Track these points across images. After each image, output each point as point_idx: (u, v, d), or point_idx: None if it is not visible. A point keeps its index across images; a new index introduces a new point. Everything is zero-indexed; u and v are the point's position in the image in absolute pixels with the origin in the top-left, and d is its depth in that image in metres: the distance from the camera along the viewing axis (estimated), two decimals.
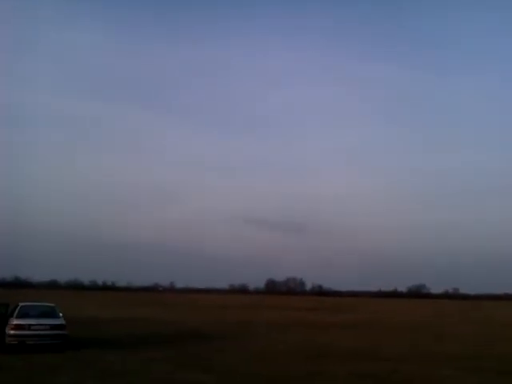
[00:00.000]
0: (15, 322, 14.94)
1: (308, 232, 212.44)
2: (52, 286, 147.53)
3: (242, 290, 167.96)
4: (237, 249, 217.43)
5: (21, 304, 16.67)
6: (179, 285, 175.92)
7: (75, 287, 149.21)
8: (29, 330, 14.83)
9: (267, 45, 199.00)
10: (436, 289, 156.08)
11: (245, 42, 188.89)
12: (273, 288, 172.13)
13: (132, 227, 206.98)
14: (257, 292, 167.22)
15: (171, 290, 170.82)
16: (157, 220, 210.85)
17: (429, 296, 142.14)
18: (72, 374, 11.23)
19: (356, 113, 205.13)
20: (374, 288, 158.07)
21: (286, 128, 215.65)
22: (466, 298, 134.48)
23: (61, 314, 16.42)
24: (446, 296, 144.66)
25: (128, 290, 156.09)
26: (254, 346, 18.06)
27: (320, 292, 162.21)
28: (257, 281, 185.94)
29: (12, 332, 14.72)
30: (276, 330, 25.72)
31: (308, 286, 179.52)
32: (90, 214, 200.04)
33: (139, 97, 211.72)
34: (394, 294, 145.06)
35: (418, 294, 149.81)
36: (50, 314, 16.33)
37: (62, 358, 13.62)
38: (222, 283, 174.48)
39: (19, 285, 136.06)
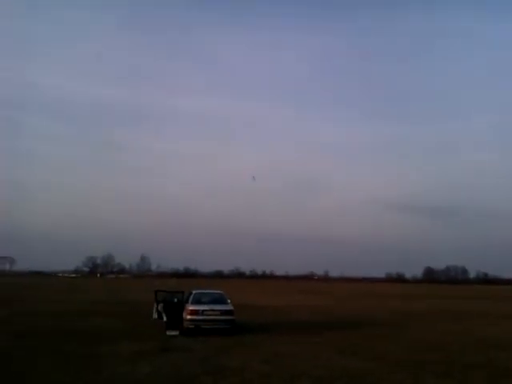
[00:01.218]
0: (191, 307, 16.42)
1: (468, 218, 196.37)
2: (217, 275, 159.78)
3: (399, 279, 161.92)
4: (393, 237, 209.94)
5: (194, 291, 18.40)
6: (334, 274, 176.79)
7: (237, 276, 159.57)
8: (202, 315, 16.18)
9: None
10: None
11: None
12: (431, 277, 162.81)
13: (288, 218, 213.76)
14: (414, 281, 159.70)
15: (326, 278, 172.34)
16: (311, 210, 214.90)
17: None
18: (242, 357, 12.10)
19: None
20: None
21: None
22: None
23: (229, 301, 17.77)
24: None
25: (285, 278, 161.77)
26: (416, 334, 17.42)
27: (485, 280, 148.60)
28: (414, 269, 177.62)
29: (189, 317, 16.16)
30: (439, 319, 24.41)
31: (471, 274, 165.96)
32: (249, 208, 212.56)
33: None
34: None
35: None
36: (220, 300, 17.69)
37: (231, 342, 14.68)
38: (378, 272, 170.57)
39: (189, 275, 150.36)
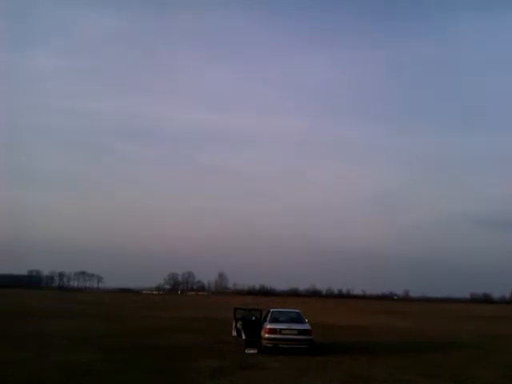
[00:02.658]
0: (269, 326, 16.56)
1: None
2: (292, 293, 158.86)
3: (485, 300, 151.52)
4: (479, 255, 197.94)
5: (272, 310, 18.58)
6: (414, 294, 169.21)
7: (313, 294, 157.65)
8: (280, 333, 16.25)
9: None
10: None
11: None
12: None
13: (365, 235, 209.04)
14: (502, 301, 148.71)
15: (406, 298, 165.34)
16: (389, 227, 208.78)
17: None
18: (321, 377, 12.06)
19: None
20: None
21: None
22: None
23: (306, 320, 17.75)
24: None
25: (362, 297, 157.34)
26: (507, 358, 16.37)
27: None
28: (502, 289, 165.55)
29: (267, 336, 16.30)
30: None
31: None
32: (320, 225, 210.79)
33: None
34: None
35: None
36: (297, 319, 17.68)
37: (309, 362, 14.62)
38: (463, 292, 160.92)
39: (265, 292, 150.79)
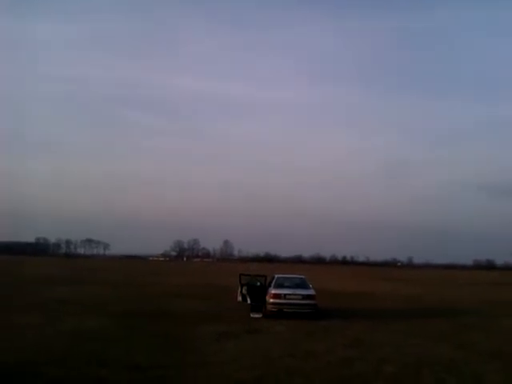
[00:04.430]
0: (274, 291, 16.77)
1: None
2: (297, 260, 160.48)
3: (489, 266, 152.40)
4: (481, 222, 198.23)
5: (277, 275, 18.74)
6: (418, 260, 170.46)
7: (318, 261, 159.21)
8: (285, 298, 16.47)
9: None
10: None
11: None
12: None
13: (369, 203, 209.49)
14: (506, 268, 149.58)
15: (409, 265, 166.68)
16: (393, 195, 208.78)
17: None
18: (325, 341, 12.22)
19: None
20: None
21: None
22: None
23: (311, 285, 17.91)
24: None
25: (366, 264, 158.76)
26: (504, 325, 16.51)
27: None
28: (505, 256, 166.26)
29: (272, 300, 16.50)
30: None
31: None
32: (331, 193, 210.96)
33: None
34: None
35: None
36: (302, 285, 17.87)
37: (313, 326, 14.82)
38: (466, 259, 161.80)
39: (269, 259, 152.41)
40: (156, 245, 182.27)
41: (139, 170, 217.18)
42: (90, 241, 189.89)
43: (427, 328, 15.28)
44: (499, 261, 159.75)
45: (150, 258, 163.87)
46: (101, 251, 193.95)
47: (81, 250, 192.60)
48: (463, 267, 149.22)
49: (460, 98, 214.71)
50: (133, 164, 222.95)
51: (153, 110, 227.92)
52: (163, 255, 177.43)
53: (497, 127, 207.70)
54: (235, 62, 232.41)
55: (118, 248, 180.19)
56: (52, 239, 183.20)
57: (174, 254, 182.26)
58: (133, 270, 65.20)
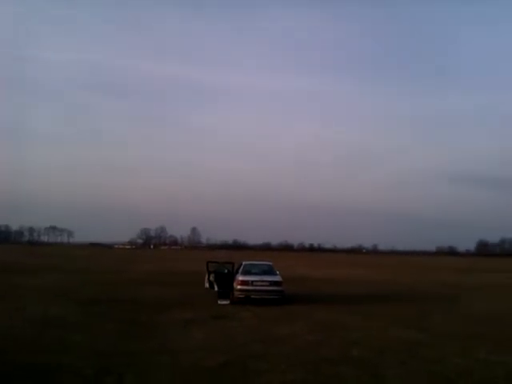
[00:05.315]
0: (241, 278, 16.81)
1: None
2: (265, 247, 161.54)
3: (451, 253, 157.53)
4: (444, 209, 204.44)
5: (244, 262, 18.76)
6: (383, 247, 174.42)
7: (285, 249, 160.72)
8: (252, 285, 16.54)
9: None
10: None
11: None
12: (485, 250, 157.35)
13: (336, 191, 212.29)
14: (467, 254, 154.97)
15: (374, 252, 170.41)
16: (360, 183, 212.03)
17: None
18: (291, 326, 12.29)
19: None
20: None
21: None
22: None
23: (277, 272, 18.02)
24: None
25: (333, 251, 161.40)
26: (469, 308, 17.06)
27: None
28: (467, 242, 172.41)
29: (239, 287, 16.57)
30: (492, 293, 23.75)
31: None
32: (299, 181, 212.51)
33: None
34: None
35: None
36: (269, 271, 17.98)
37: (280, 312, 14.91)
38: (429, 245, 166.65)
39: (238, 247, 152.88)
40: (122, 233, 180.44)
41: (105, 156, 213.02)
42: (53, 228, 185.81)
43: (391, 312, 15.59)
44: (461, 247, 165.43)
45: (116, 246, 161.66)
46: (65, 239, 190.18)
47: (44, 238, 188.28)
48: (426, 253, 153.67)
49: (423, 86, 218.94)
50: (98, 150, 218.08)
51: (119, 95, 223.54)
52: (129, 243, 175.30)
53: (461, 116, 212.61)
54: (206, 49, 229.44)
55: (82, 236, 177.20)
56: (14, 227, 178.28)
57: (140, 241, 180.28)
58: (98, 257, 64.18)
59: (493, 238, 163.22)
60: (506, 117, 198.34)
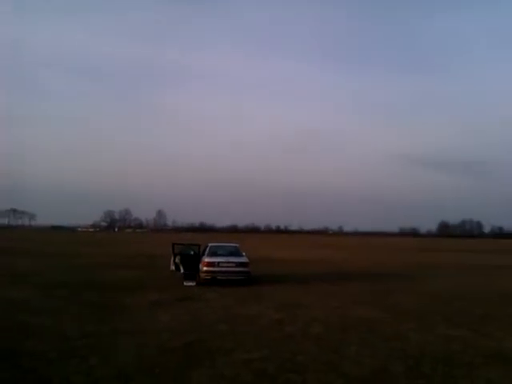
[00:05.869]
0: (207, 259, 16.87)
1: (486, 172, 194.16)
2: (232, 230, 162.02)
3: (413, 233, 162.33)
4: (407, 191, 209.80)
5: (210, 244, 18.82)
6: (348, 228, 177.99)
7: (252, 231, 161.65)
8: (218, 266, 16.65)
9: None
10: None
11: None
12: (446, 231, 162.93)
13: (301, 174, 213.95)
14: (429, 235, 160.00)
15: (340, 233, 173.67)
16: (324, 166, 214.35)
17: None
18: (257, 306, 12.48)
19: None
20: None
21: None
22: None
23: (244, 253, 18.17)
24: None
25: (299, 233, 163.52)
26: (429, 286, 17.71)
27: (500, 234, 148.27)
28: (429, 224, 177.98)
29: (205, 268, 16.64)
30: (452, 272, 24.72)
31: (486, 229, 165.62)
32: (265, 164, 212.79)
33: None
34: None
35: None
36: (235, 252, 18.12)
37: (246, 292, 15.10)
38: (392, 226, 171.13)
39: (205, 229, 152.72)
40: (86, 215, 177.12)
41: (68, 137, 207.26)
42: (14, 211, 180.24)
43: (354, 291, 16.03)
44: (423, 229, 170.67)
45: (79, 229, 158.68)
46: (26, 222, 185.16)
47: (4, 221, 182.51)
48: (390, 234, 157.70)
49: (384, 72, 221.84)
50: (60, 132, 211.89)
51: (83, 76, 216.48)
52: (93, 226, 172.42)
53: (424, 102, 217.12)
54: (180, 31, 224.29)
55: (44, 219, 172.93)
56: None
57: (104, 224, 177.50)
58: (62, 240, 62.90)
59: (454, 219, 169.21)
60: (466, 103, 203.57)
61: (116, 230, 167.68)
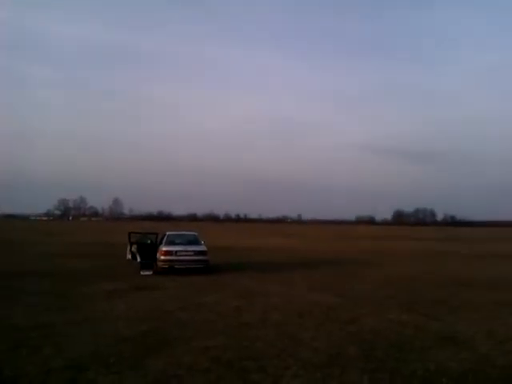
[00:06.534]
0: (164, 248, 16.71)
1: (438, 161, 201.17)
2: (191, 218, 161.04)
3: (369, 222, 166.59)
4: (363, 180, 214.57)
5: (168, 233, 18.61)
6: (306, 217, 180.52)
7: (211, 219, 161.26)
8: (176, 255, 16.53)
9: None
10: None
11: None
12: (400, 219, 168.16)
13: (262, 163, 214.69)
14: (384, 223, 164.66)
15: (299, 221, 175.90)
16: (284, 155, 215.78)
17: None
18: (215, 294, 12.50)
19: None
20: None
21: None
22: None
23: (202, 242, 18.09)
24: None
25: (258, 221, 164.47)
26: (385, 272, 18.22)
27: (453, 222, 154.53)
28: (384, 212, 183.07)
29: (162, 257, 16.49)
30: (408, 258, 25.52)
31: (439, 217, 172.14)
32: (222, 151, 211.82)
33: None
34: None
35: None
36: (194, 241, 18.00)
37: (205, 280, 15.10)
38: (349, 215, 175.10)
39: (163, 218, 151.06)
40: (38, 204, 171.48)
41: (19, 124, 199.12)
42: None
43: (311, 278, 16.29)
44: (379, 217, 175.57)
45: (32, 218, 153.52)
46: None
47: None
48: (347, 222, 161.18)
49: (349, 63, 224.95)
50: (9, 117, 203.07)
51: (41, 60, 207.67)
52: (46, 215, 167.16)
53: (389, 91, 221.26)
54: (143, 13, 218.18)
55: None
56: None
57: (58, 213, 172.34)
58: (14, 229, 60.67)
59: (408, 207, 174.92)
60: (428, 94, 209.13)
61: (70, 218, 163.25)
